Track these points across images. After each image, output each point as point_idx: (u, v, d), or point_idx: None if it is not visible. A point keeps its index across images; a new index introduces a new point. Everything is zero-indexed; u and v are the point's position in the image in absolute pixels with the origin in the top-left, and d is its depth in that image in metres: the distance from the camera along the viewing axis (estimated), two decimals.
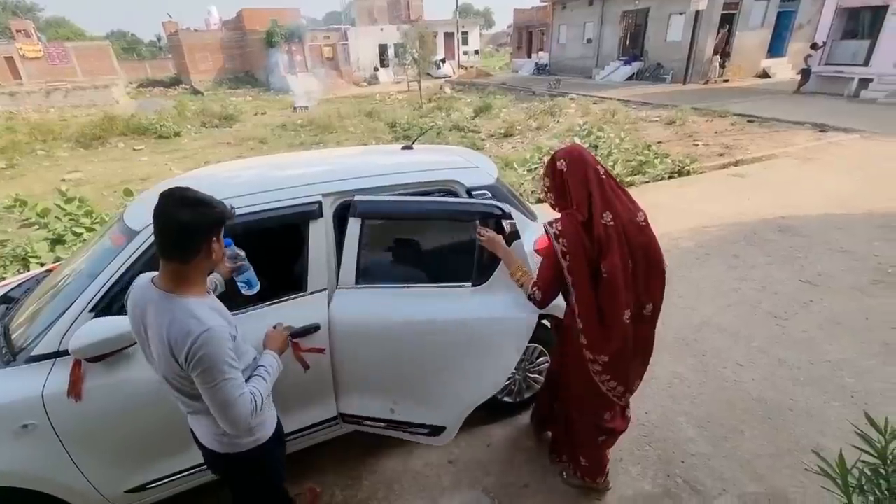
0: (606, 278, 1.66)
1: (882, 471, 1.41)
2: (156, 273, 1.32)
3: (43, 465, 1.63)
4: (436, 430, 1.97)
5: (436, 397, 1.94)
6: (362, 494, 2.28)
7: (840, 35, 14.23)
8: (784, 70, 18.88)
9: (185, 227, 1.20)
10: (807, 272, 4.19)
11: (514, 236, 1.84)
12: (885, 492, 1.40)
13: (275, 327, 1.65)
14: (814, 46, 14.54)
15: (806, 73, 14.69)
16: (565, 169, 1.69)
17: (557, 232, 1.68)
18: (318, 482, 2.33)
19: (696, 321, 3.56)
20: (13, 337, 1.82)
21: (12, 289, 2.39)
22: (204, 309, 1.27)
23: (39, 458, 1.61)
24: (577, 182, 1.67)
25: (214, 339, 1.22)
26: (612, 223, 1.64)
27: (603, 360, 1.76)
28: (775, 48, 19.50)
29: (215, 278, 1.72)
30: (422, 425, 1.98)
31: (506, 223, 1.84)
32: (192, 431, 1.51)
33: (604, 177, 1.69)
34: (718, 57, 17.99)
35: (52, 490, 1.68)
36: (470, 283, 1.88)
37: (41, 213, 5.29)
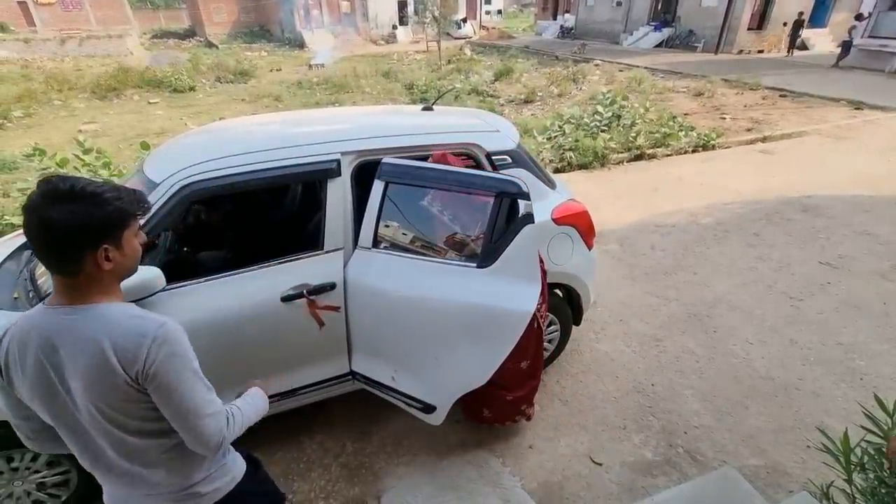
0: None
1: (885, 450, 1.43)
2: (29, 311, 1.02)
3: None
4: (428, 408, 1.98)
5: (430, 375, 1.93)
6: (371, 448, 2.37)
7: (888, 5, 13.31)
8: (824, 42, 17.86)
9: (58, 230, 0.88)
10: (827, 254, 4.10)
11: (528, 219, 1.75)
12: (887, 471, 1.42)
13: None
14: (858, 17, 13.69)
15: (847, 46, 13.89)
16: None
17: None
18: (329, 434, 2.43)
19: (710, 298, 3.54)
20: (39, 282, 1.88)
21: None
22: (139, 311, 1.00)
23: None
24: None
25: (176, 335, 0.98)
26: None
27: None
28: (816, 18, 18.38)
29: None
30: (416, 399, 2.00)
31: (522, 204, 1.74)
32: None
33: None
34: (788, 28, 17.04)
35: None
36: (475, 264, 1.80)
37: (60, 162, 5.33)
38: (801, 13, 16.43)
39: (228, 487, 1.17)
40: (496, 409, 2.29)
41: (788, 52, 16.84)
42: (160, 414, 1.01)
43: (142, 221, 1.72)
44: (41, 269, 1.97)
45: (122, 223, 0.96)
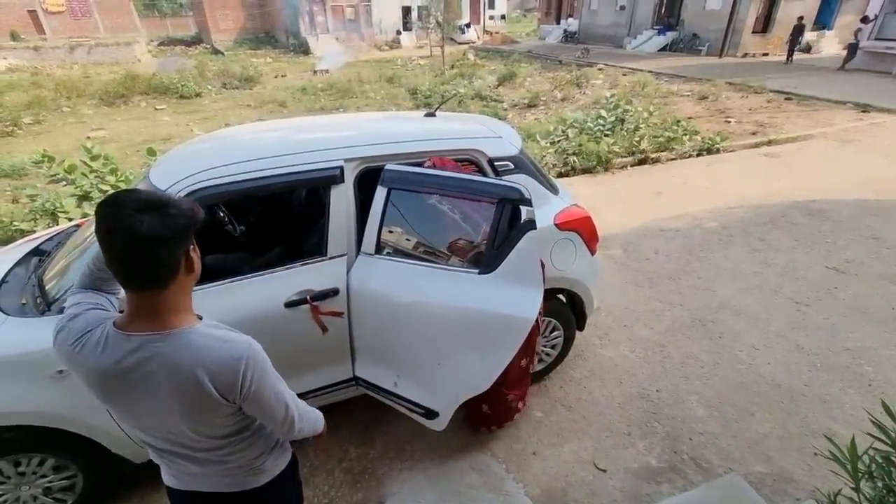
0: None
1: (894, 458, 1.41)
2: (99, 322, 0.98)
3: (77, 408, 1.72)
4: (430, 414, 1.98)
5: (431, 381, 1.93)
6: (374, 453, 2.37)
7: (894, 7, 13.24)
8: (830, 44, 17.78)
9: (156, 238, 0.88)
10: (834, 258, 4.07)
11: (530, 224, 1.76)
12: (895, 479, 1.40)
13: None
14: (864, 19, 13.63)
15: (853, 49, 13.83)
16: None
17: None
18: (332, 438, 2.43)
19: (715, 303, 3.52)
20: (47, 288, 1.90)
21: (43, 242, 2.47)
22: (222, 329, 1.03)
23: (74, 402, 1.70)
24: None
25: (261, 351, 1.03)
26: None
27: None
28: (822, 20, 18.31)
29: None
30: (418, 405, 2.00)
31: (524, 210, 1.74)
32: (173, 493, 1.21)
33: None
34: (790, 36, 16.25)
35: (88, 431, 1.79)
36: (477, 271, 1.81)
37: (68, 169, 5.40)
38: (800, 18, 15.84)
39: (282, 466, 1.25)
40: (496, 407, 2.29)
41: (788, 58, 15.89)
42: (244, 416, 1.08)
43: None
44: (49, 275, 1.99)
45: (196, 222, 0.97)
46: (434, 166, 1.97)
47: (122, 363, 0.94)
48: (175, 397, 0.96)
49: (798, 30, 15.51)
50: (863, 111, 9.12)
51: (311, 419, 1.25)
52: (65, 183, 5.47)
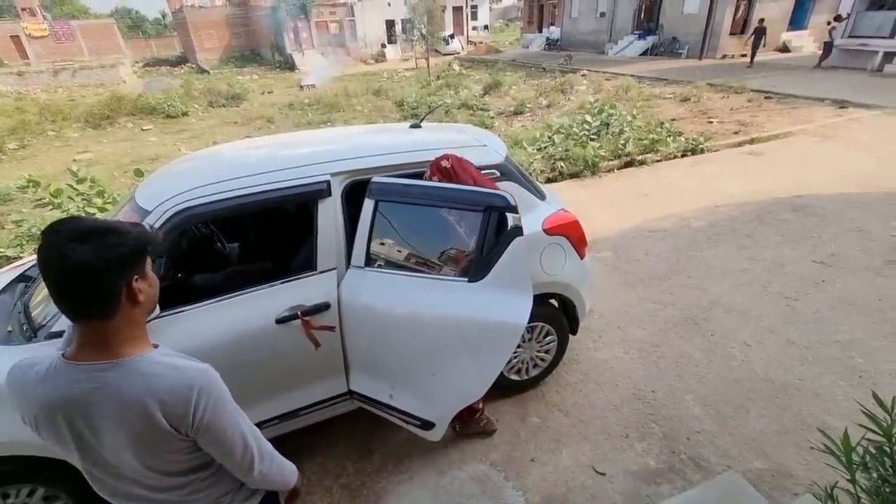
0: None
1: (887, 448, 1.42)
2: (52, 356, 0.94)
3: None
4: (426, 425, 1.97)
5: (427, 391, 1.93)
6: (372, 467, 2.34)
7: (865, 6, 13.61)
8: (806, 43, 18.19)
9: (86, 270, 0.84)
10: (820, 252, 4.13)
11: (517, 231, 1.76)
12: (889, 469, 1.41)
13: None
14: (837, 18, 13.97)
15: (828, 47, 14.16)
16: None
17: None
18: (329, 454, 2.41)
19: (706, 301, 3.55)
20: (33, 314, 1.87)
21: (29, 268, 2.44)
22: (176, 357, 0.99)
23: None
24: None
25: (217, 380, 0.99)
26: None
27: None
28: (797, 20, 18.74)
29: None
30: (414, 416, 1.99)
31: (510, 217, 1.75)
32: None
33: None
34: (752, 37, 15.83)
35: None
36: (467, 279, 1.81)
37: (54, 193, 5.36)
38: (761, 20, 15.26)
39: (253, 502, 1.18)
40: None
41: (751, 62, 15.15)
42: (202, 452, 1.01)
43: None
44: (35, 301, 1.97)
45: (144, 251, 0.94)
46: (454, 172, 1.94)
47: (68, 394, 0.90)
48: (124, 429, 0.92)
49: (760, 31, 14.94)
50: (841, 107, 9.31)
51: (279, 467, 1.14)
52: (51, 207, 5.41)
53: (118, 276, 0.88)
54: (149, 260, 0.98)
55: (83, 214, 4.77)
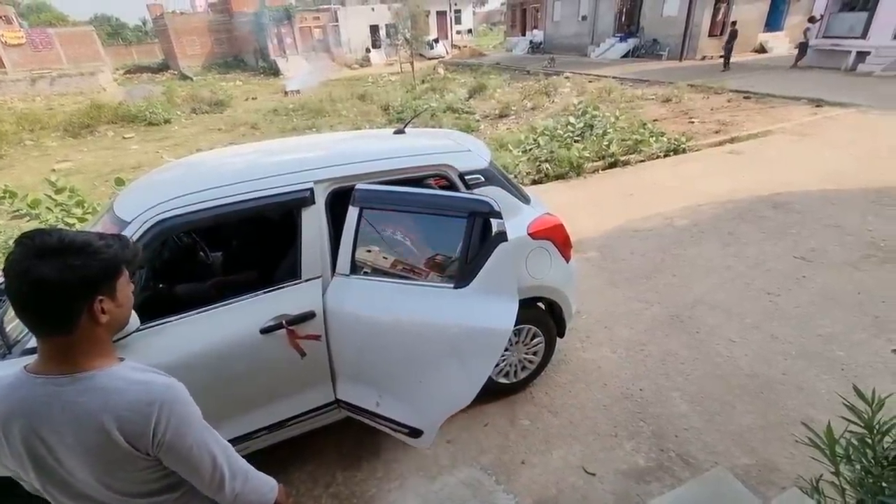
0: None
1: (869, 440, 1.45)
2: (16, 369, 0.92)
3: None
4: (415, 433, 1.96)
5: (414, 399, 1.91)
6: (361, 474, 2.32)
7: (838, 7, 14.01)
8: (781, 44, 18.63)
9: (44, 287, 0.82)
10: (800, 248, 4.22)
11: (501, 237, 1.76)
12: (872, 460, 1.44)
13: None
14: (811, 19, 14.34)
15: (803, 47, 14.52)
16: None
17: None
18: (318, 463, 2.38)
19: (690, 299, 3.60)
20: (7, 330, 1.82)
21: (4, 282, 2.38)
22: (140, 372, 0.95)
23: None
24: None
25: (183, 394, 0.95)
26: None
27: None
28: (773, 21, 19.20)
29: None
30: (402, 424, 1.98)
31: (494, 222, 1.75)
32: None
33: None
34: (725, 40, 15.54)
35: None
36: (452, 285, 1.80)
37: (32, 203, 5.24)
38: (734, 23, 15.12)
39: None
40: None
41: (725, 65, 14.82)
42: (169, 471, 0.97)
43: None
44: (10, 316, 1.91)
45: (116, 271, 0.91)
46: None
47: (24, 407, 0.87)
48: (80, 446, 0.88)
49: (733, 35, 14.74)
50: (817, 106, 9.54)
51: (255, 485, 1.08)
52: (28, 218, 5.29)
53: (77, 297, 0.86)
54: (122, 279, 0.95)
55: (62, 226, 4.67)
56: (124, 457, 0.90)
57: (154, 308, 1.81)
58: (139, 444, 0.89)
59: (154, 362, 1.70)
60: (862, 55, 13.01)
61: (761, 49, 18.83)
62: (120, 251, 0.93)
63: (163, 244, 2.32)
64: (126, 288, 0.97)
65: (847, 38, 13.56)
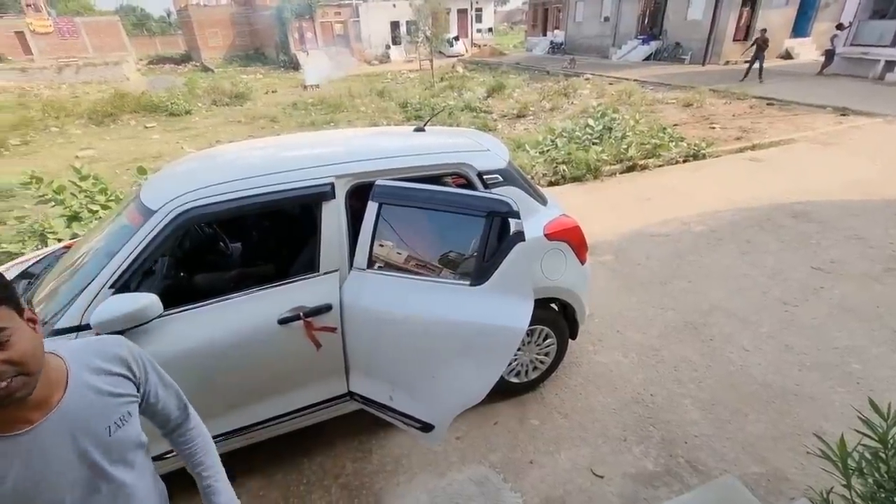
0: None
1: (882, 455, 1.44)
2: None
3: None
4: (426, 427, 1.98)
5: (427, 394, 1.93)
6: (371, 467, 2.36)
7: (867, 14, 13.66)
8: (808, 51, 18.25)
9: None
10: (819, 259, 4.15)
11: (519, 237, 1.77)
12: (885, 475, 1.43)
13: None
14: (839, 26, 14.02)
15: (830, 55, 14.21)
16: None
17: None
18: (329, 454, 2.42)
19: (706, 306, 3.56)
20: (36, 311, 1.89)
21: (32, 264, 2.46)
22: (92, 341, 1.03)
23: None
24: None
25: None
26: None
27: None
28: (799, 28, 18.81)
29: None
30: (414, 419, 2.00)
31: (512, 222, 1.76)
32: None
33: None
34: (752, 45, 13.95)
35: None
36: (468, 283, 1.82)
37: (57, 189, 5.37)
38: (763, 30, 13.52)
39: None
40: None
41: (745, 75, 13.72)
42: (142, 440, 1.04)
43: (135, 252, 1.75)
44: (38, 298, 1.98)
45: None
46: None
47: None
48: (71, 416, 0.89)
49: (764, 43, 13.06)
50: (842, 115, 9.33)
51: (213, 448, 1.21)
52: (53, 204, 5.43)
53: None
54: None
55: (86, 212, 4.80)
56: (118, 399, 0.97)
57: (175, 296, 1.86)
58: (132, 377, 1.00)
59: (174, 348, 1.78)
60: (891, 64, 12.68)
61: (787, 55, 18.47)
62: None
63: (185, 234, 2.38)
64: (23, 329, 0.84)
65: (876, 47, 13.21)
